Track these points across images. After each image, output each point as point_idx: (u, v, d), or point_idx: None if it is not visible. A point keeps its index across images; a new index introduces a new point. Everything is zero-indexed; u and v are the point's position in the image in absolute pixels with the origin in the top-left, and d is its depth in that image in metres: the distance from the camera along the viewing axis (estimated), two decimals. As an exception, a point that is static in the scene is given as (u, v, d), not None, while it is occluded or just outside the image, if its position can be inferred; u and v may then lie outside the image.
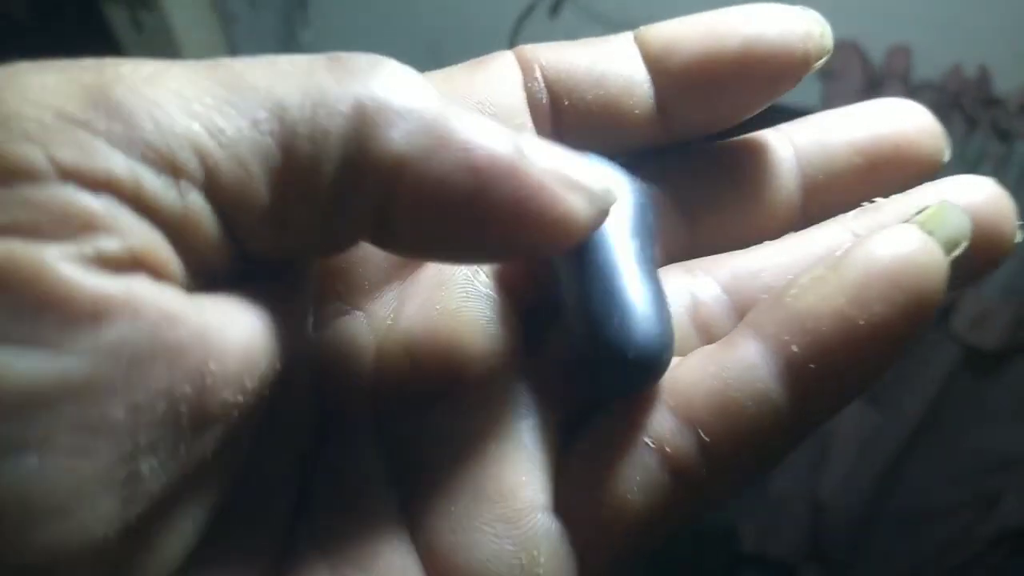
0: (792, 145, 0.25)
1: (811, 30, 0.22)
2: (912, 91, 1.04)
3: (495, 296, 0.22)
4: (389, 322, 0.21)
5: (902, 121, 0.24)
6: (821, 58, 0.23)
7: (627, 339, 0.19)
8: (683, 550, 2.07)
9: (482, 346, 0.21)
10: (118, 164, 0.14)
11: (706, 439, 0.19)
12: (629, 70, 0.22)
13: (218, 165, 0.15)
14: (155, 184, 0.14)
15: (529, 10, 0.89)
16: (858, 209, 0.23)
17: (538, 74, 0.23)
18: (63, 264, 0.13)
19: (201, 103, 0.15)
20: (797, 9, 0.22)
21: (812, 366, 0.18)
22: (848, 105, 0.24)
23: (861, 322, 0.18)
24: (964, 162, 1.06)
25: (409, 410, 0.21)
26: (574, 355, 0.21)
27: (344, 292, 0.22)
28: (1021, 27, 1.00)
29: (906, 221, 0.20)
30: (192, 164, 0.14)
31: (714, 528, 2.03)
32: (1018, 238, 0.21)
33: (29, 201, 0.13)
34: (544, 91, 0.22)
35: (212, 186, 0.15)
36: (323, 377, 0.21)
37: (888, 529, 1.67)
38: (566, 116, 0.23)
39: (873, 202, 0.23)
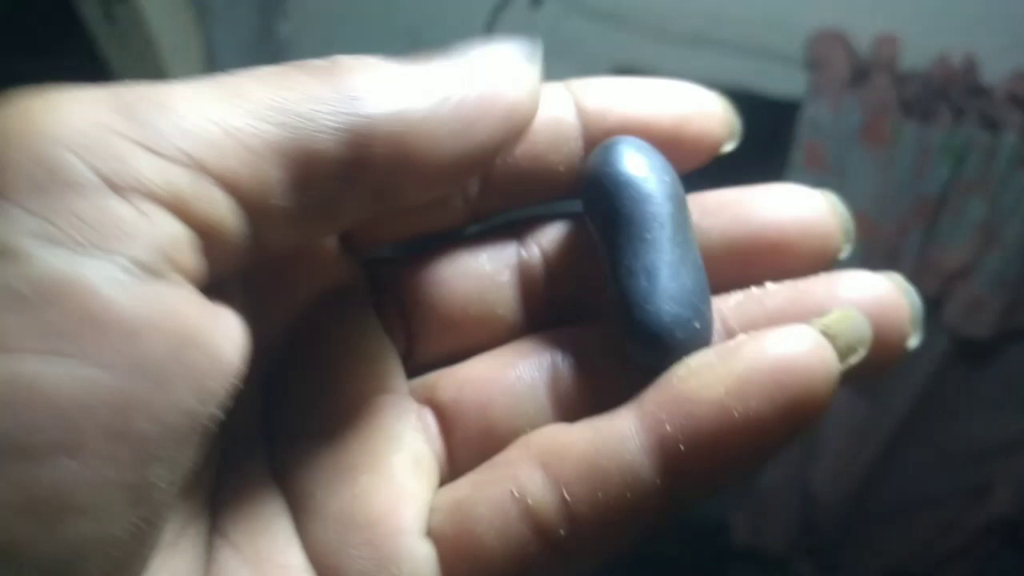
0: None
1: (728, 116, 0.24)
2: (898, 81, 1.03)
3: (385, 336, 0.23)
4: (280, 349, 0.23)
5: (797, 210, 0.23)
6: (733, 141, 0.24)
7: (649, 318, 0.20)
8: (673, 545, 2.08)
9: (365, 384, 0.22)
10: (151, 169, 0.15)
11: (569, 500, 0.19)
12: (559, 127, 0.23)
13: (235, 158, 0.16)
14: (184, 183, 0.15)
15: (504, 2, 0.87)
16: (743, 293, 0.23)
17: None
18: (102, 281, 0.14)
19: (214, 109, 0.16)
20: (713, 93, 0.24)
21: (682, 448, 0.19)
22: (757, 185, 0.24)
23: (736, 415, 0.19)
24: (951, 153, 1.05)
25: (294, 438, 0.22)
26: (616, 324, 0.22)
27: None
28: (1007, 15, 0.99)
29: (808, 323, 0.20)
30: (213, 160, 0.16)
31: (704, 522, 2.03)
32: (913, 343, 0.21)
33: (71, 211, 0.14)
34: None
35: (231, 179, 0.16)
36: None
37: (879, 519, 1.67)
38: (494, 166, 0.23)
39: (762, 287, 0.23)
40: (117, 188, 0.15)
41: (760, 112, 1.18)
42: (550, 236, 0.24)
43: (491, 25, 0.82)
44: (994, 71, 1.01)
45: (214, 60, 1.15)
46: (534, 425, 0.22)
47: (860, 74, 1.04)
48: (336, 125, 0.17)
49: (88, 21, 1.09)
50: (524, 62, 0.20)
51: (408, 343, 0.24)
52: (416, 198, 0.20)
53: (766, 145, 1.31)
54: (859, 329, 0.20)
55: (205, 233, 0.16)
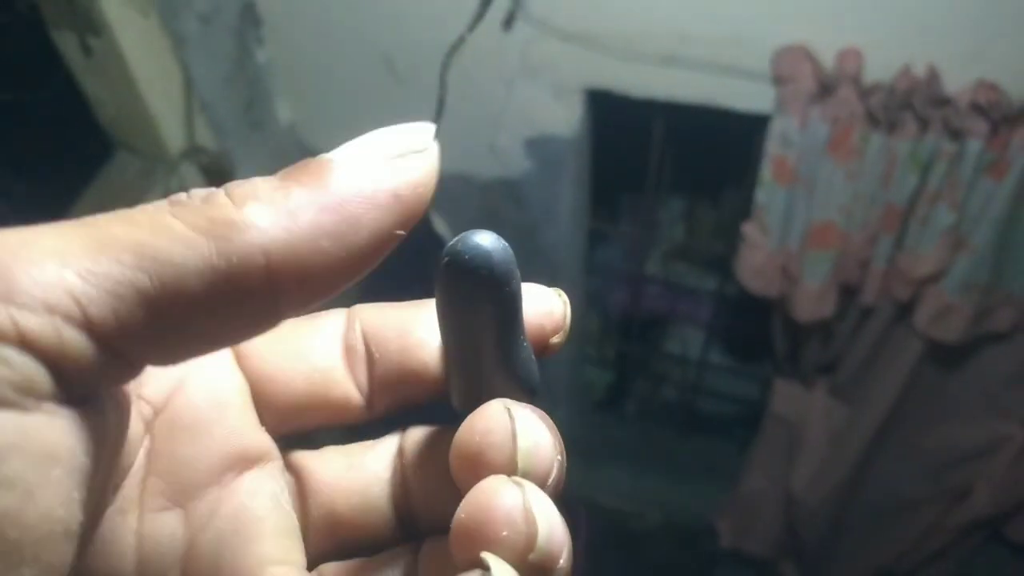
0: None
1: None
2: (864, 93, 1.05)
3: (292, 512, 0.27)
4: (205, 520, 0.26)
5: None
6: None
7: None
8: (661, 549, 2.09)
9: (277, 556, 0.26)
10: (2, 316, 0.17)
11: None
12: (430, 337, 0.28)
13: (94, 304, 0.18)
14: (32, 324, 0.17)
15: (475, 25, 0.89)
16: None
17: (357, 330, 0.28)
18: None
19: (72, 255, 0.18)
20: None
21: None
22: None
23: None
24: (917, 162, 1.07)
25: None
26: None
27: (168, 491, 0.26)
28: (967, 26, 1.01)
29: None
30: (66, 303, 0.18)
31: (691, 526, 2.05)
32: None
33: None
34: (360, 341, 0.28)
35: (88, 322, 0.18)
36: (141, 562, 0.25)
37: (862, 522, 1.69)
38: (377, 366, 0.28)
39: None
40: None
41: (730, 127, 1.20)
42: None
43: (451, 53, 0.82)
44: (957, 81, 1.03)
45: (192, 88, 1.16)
46: None
47: (826, 88, 1.06)
48: (202, 269, 0.19)
49: (64, 53, 1.10)
50: (412, 147, 0.22)
51: (304, 526, 0.28)
52: (304, 308, 0.21)
53: (737, 160, 1.33)
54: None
55: (61, 365, 0.18)
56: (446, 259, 0.23)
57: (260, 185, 0.20)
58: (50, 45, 1.10)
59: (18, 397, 0.17)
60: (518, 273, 0.23)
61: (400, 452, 0.28)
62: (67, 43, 1.08)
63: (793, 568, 1.83)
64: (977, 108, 1.01)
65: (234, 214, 0.19)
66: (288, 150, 1.39)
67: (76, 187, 1.19)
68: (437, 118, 1.10)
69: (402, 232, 0.21)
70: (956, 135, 1.05)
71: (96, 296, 0.18)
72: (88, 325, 0.18)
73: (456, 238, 0.23)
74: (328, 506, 0.28)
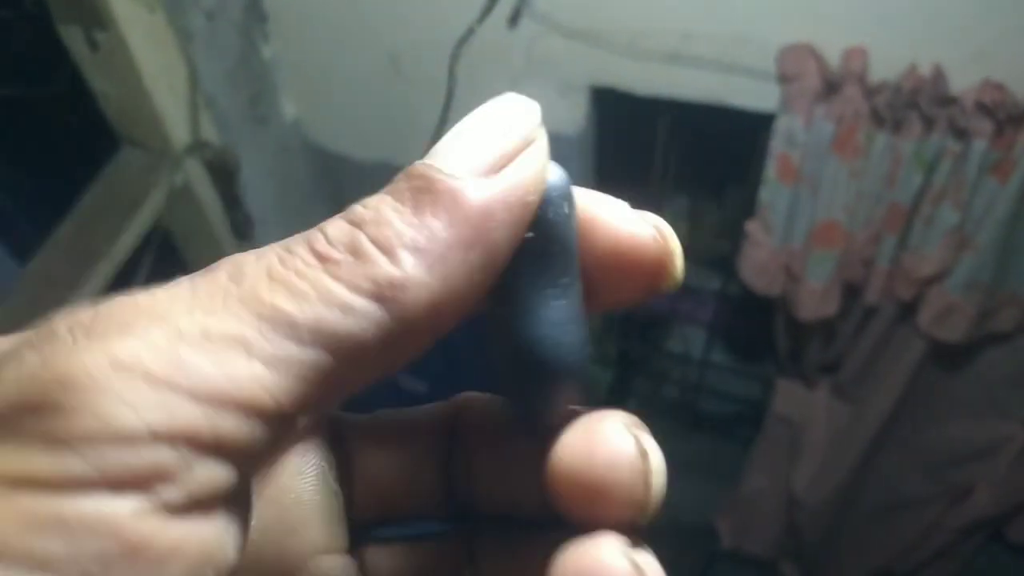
0: None
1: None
2: (869, 92, 1.05)
3: (338, 489, 0.26)
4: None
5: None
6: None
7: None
8: (661, 549, 2.08)
9: (322, 544, 0.25)
10: (198, 417, 0.17)
11: None
12: None
13: (282, 390, 0.18)
14: (229, 426, 0.17)
15: (481, 22, 0.89)
16: None
17: None
18: (138, 518, 0.16)
19: (255, 341, 0.17)
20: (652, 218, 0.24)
21: None
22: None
23: None
24: (922, 161, 1.07)
25: None
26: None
27: None
28: (975, 26, 1.01)
29: None
30: (260, 398, 0.17)
31: (692, 526, 2.05)
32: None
33: (120, 460, 0.16)
34: None
35: (281, 409, 0.18)
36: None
37: (862, 522, 1.69)
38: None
39: None
40: (163, 437, 0.16)
41: (735, 125, 1.20)
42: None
43: (457, 50, 0.82)
44: (962, 81, 1.03)
45: (197, 83, 1.16)
46: None
47: (831, 86, 1.06)
48: (378, 336, 0.18)
49: (71, 47, 1.10)
50: (526, 138, 0.21)
51: (348, 499, 0.27)
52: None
53: (741, 158, 1.33)
54: None
55: (246, 465, 0.18)
56: None
57: (398, 225, 0.19)
58: (56, 40, 1.10)
59: (189, 503, 0.17)
60: (551, 207, 0.21)
61: (454, 424, 0.27)
62: (73, 38, 1.08)
63: (793, 568, 1.83)
64: (982, 108, 1.01)
65: (394, 271, 0.19)
66: (292, 146, 1.40)
67: (81, 181, 1.19)
68: (445, 110, 1.11)
69: (531, 234, 0.21)
70: (961, 135, 1.05)
71: (285, 385, 0.18)
72: (279, 416, 0.18)
73: None
74: (374, 475, 0.27)
